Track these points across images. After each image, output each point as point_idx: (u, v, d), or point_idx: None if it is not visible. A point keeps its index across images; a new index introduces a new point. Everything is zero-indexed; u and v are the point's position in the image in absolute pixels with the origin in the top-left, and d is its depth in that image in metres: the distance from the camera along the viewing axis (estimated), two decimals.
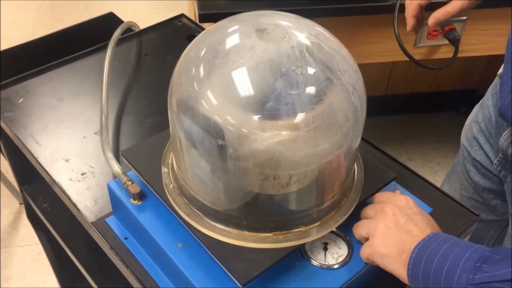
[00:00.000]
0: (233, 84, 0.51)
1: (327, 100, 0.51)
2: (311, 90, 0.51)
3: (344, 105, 0.53)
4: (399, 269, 0.57)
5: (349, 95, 0.53)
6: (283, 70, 0.50)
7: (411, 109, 2.09)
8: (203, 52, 0.55)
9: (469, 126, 1.01)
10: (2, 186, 1.74)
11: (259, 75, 0.51)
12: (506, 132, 0.84)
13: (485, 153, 0.96)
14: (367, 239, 0.60)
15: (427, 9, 0.99)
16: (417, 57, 1.24)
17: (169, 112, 0.58)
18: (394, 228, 0.58)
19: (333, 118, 0.53)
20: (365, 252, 0.60)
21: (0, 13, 2.64)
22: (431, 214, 0.65)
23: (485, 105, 0.96)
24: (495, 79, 0.95)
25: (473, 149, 0.99)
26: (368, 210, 0.63)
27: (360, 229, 0.61)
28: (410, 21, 0.99)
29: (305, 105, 0.50)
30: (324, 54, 0.52)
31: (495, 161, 0.91)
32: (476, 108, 1.01)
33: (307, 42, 0.52)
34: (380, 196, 0.64)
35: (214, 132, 0.52)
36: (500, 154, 0.88)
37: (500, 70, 0.92)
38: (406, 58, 1.23)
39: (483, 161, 0.97)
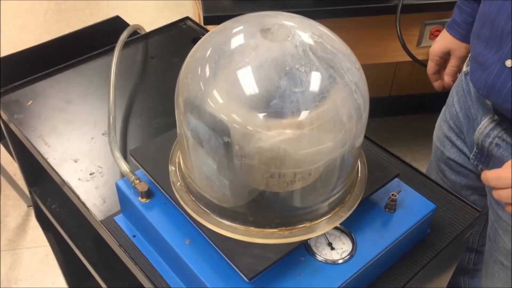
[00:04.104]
0: (239, 82, 0.52)
1: (330, 98, 0.52)
2: (314, 88, 0.52)
3: (347, 103, 0.54)
4: None
5: (352, 93, 0.54)
6: (287, 68, 0.51)
7: (415, 110, 2.09)
8: (208, 52, 0.56)
9: (439, 125, 1.04)
10: (11, 188, 1.76)
11: (264, 73, 0.52)
12: (480, 126, 0.86)
13: (458, 149, 0.98)
14: None
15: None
16: (420, 58, 1.25)
17: (176, 111, 0.59)
18: None
19: (336, 115, 0.54)
20: None
21: (8, 18, 2.67)
22: (434, 210, 0.67)
23: (450, 103, 0.99)
24: (459, 77, 0.98)
25: (446, 148, 1.01)
26: (494, 183, 0.71)
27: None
28: (432, 78, 1.11)
29: (309, 103, 0.51)
30: (327, 53, 0.53)
31: (471, 156, 0.92)
32: (444, 107, 1.03)
33: (310, 41, 0.54)
34: (491, 176, 0.72)
35: (220, 130, 0.53)
36: (475, 148, 0.90)
37: (464, 68, 0.94)
38: (409, 59, 1.24)
39: (457, 158, 0.99)
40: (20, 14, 2.73)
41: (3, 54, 1.14)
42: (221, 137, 0.53)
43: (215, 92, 0.53)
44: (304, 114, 0.52)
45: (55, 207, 1.04)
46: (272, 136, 0.53)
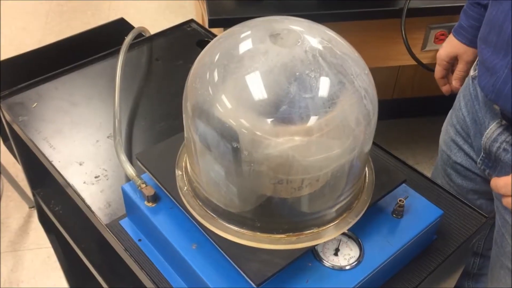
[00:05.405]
0: (248, 88, 0.52)
1: (340, 103, 0.52)
2: (324, 93, 0.51)
3: (356, 109, 0.54)
4: None
5: (361, 99, 0.53)
6: (297, 74, 0.51)
7: (417, 113, 2.09)
8: (217, 57, 0.56)
9: (446, 130, 1.04)
10: (13, 190, 1.75)
11: (273, 79, 0.52)
12: (488, 131, 0.86)
13: (465, 154, 0.98)
14: None
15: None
16: (424, 61, 1.25)
17: (184, 116, 0.59)
18: None
19: (345, 121, 0.53)
20: None
21: (9, 19, 2.67)
22: (441, 216, 0.66)
23: (457, 107, 0.99)
24: (466, 81, 0.98)
25: (452, 152, 1.00)
26: (503, 190, 0.72)
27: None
28: (440, 82, 1.11)
29: (319, 109, 0.51)
30: (337, 58, 0.53)
31: (478, 161, 0.92)
32: (451, 111, 1.03)
33: (319, 46, 0.53)
34: (500, 184, 0.74)
35: (229, 135, 0.52)
36: (482, 153, 0.90)
37: (472, 73, 0.94)
38: (413, 62, 1.24)
39: (464, 162, 0.98)
40: (21, 16, 2.73)
41: (4, 55, 1.14)
42: (230, 143, 0.53)
43: (224, 97, 0.53)
44: (313, 120, 0.51)
45: (58, 210, 1.03)
46: (281, 142, 0.52)
